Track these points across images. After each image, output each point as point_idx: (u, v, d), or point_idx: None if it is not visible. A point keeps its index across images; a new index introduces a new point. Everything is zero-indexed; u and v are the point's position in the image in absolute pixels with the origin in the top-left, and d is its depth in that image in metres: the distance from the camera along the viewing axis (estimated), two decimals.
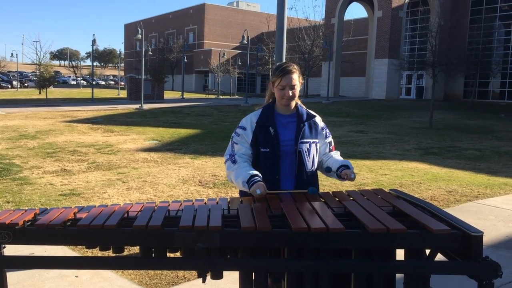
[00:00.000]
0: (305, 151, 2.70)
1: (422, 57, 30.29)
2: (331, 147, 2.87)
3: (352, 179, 2.61)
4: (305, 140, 2.71)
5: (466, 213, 5.78)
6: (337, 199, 2.55)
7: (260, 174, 2.57)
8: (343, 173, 2.62)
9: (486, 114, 26.52)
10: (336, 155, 2.84)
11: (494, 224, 5.39)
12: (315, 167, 2.79)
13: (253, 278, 2.17)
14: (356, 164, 9.49)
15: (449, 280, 3.43)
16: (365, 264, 2.06)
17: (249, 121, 2.75)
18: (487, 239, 4.71)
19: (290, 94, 2.66)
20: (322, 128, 2.83)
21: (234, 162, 2.68)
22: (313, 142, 2.75)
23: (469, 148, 12.92)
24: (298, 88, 2.71)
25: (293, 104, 2.75)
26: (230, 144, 2.77)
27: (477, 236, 1.97)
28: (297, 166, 2.69)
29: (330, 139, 2.87)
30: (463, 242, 2.00)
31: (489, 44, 33.67)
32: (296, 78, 2.68)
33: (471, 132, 17.88)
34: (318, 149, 2.79)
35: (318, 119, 2.83)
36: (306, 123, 2.74)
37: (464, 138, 15.62)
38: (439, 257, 2.16)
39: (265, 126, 2.70)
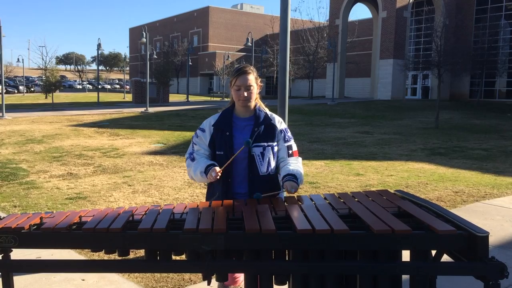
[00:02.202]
0: (259, 155, 2.67)
1: (427, 57, 30.22)
2: (290, 152, 2.76)
3: (291, 192, 2.57)
4: (259, 144, 2.68)
5: (473, 214, 5.75)
6: (341, 200, 2.54)
7: (216, 163, 2.62)
8: (284, 185, 2.59)
9: (492, 114, 26.36)
10: (295, 161, 2.73)
11: (501, 224, 5.36)
12: (272, 170, 2.72)
13: (258, 280, 2.17)
14: (362, 165, 9.47)
15: (455, 281, 3.41)
16: (370, 266, 2.05)
17: (208, 123, 2.79)
18: (494, 239, 4.68)
19: (245, 95, 2.66)
20: (281, 131, 2.77)
21: (192, 159, 2.75)
22: (269, 146, 2.70)
23: (476, 148, 12.85)
24: (255, 90, 2.71)
25: (251, 106, 2.74)
26: (191, 144, 2.84)
27: (483, 237, 1.96)
28: (250, 170, 2.68)
29: (290, 143, 2.78)
30: (469, 242, 1.99)
31: (495, 43, 33.48)
32: (252, 79, 2.68)
33: (478, 132, 17.78)
34: (276, 152, 2.74)
35: (278, 122, 2.78)
36: (262, 126, 2.71)
37: (471, 138, 15.54)
38: (445, 258, 2.15)
39: (222, 129, 2.72)
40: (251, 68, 2.72)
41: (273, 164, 2.72)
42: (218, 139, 2.71)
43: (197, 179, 2.69)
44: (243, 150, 2.61)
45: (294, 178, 2.59)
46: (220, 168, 2.60)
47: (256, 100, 2.79)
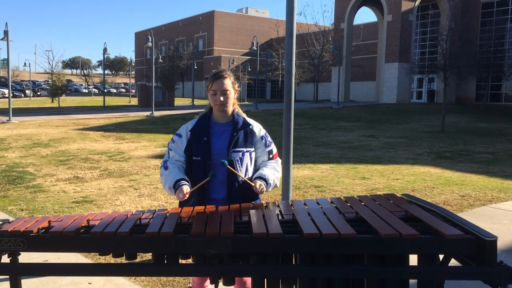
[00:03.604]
0: (237, 160, 2.67)
1: (433, 60, 30.11)
2: (271, 156, 2.80)
3: (258, 192, 2.56)
4: (237, 149, 2.68)
5: (480, 218, 5.72)
6: (348, 204, 2.54)
7: (186, 178, 2.61)
8: (253, 183, 2.58)
9: (499, 117, 26.23)
10: (272, 164, 2.77)
11: (508, 228, 5.33)
12: (249, 176, 2.72)
13: (265, 284, 2.17)
14: (368, 169, 9.44)
15: (463, 286, 3.39)
16: (377, 270, 2.05)
17: (185, 129, 2.78)
18: (501, 243, 4.65)
19: (222, 99, 2.66)
20: (262, 137, 2.78)
21: (166, 168, 2.72)
22: (247, 151, 2.71)
23: (482, 152, 12.78)
24: (231, 95, 2.71)
25: (229, 111, 2.75)
26: (167, 151, 2.82)
27: (491, 241, 1.95)
28: (228, 175, 2.66)
29: (271, 147, 2.81)
30: (477, 247, 1.98)
31: (501, 47, 33.36)
32: (229, 84, 2.68)
33: (484, 135, 17.69)
34: (254, 158, 2.75)
35: (257, 128, 2.78)
36: (240, 132, 2.71)
37: (477, 142, 15.46)
38: (453, 262, 2.14)
39: (199, 134, 2.71)
40: (228, 72, 2.73)
41: (250, 169, 2.73)
42: (195, 145, 2.70)
43: (167, 192, 2.67)
44: (220, 156, 2.63)
45: (263, 181, 2.61)
46: (193, 186, 2.58)
47: (234, 106, 2.79)
